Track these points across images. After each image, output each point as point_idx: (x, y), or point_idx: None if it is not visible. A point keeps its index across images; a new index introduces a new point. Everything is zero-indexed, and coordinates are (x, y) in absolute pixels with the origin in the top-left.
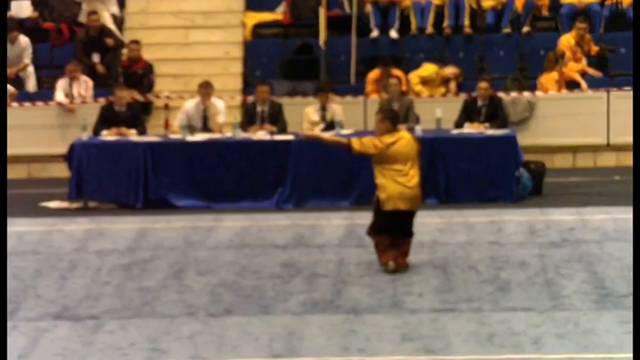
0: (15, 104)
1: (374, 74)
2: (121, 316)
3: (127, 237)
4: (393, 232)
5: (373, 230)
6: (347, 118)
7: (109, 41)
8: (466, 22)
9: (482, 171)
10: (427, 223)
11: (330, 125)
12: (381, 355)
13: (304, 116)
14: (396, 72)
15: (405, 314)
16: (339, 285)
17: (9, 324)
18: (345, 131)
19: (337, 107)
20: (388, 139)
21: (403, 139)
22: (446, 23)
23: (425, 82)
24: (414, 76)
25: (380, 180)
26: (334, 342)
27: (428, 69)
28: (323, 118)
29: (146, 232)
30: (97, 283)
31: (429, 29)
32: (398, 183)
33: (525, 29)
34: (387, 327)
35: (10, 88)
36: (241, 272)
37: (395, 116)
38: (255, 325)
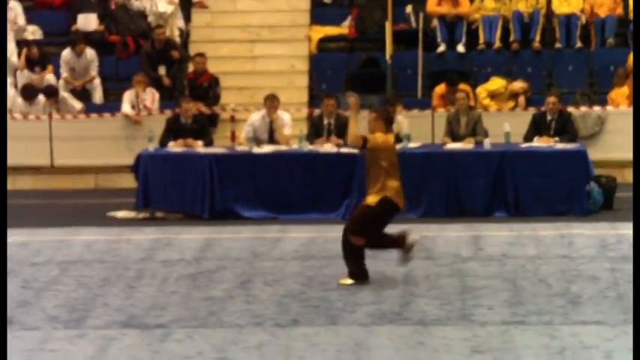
0: (82, 116)
1: (440, 89)
2: (188, 326)
3: (193, 247)
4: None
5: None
6: (414, 131)
7: (175, 54)
8: (537, 37)
9: (552, 185)
10: (496, 236)
11: (397, 138)
12: None
13: None
14: (463, 86)
15: (475, 327)
16: (407, 297)
17: (77, 332)
18: (412, 144)
19: (404, 120)
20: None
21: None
22: (512, 37)
23: (493, 96)
24: (483, 90)
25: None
26: (402, 354)
27: (496, 83)
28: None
29: (212, 242)
30: (164, 292)
31: (497, 44)
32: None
33: (611, 41)
34: (455, 339)
35: (77, 103)
36: (308, 283)
37: (390, 118)
38: (323, 335)
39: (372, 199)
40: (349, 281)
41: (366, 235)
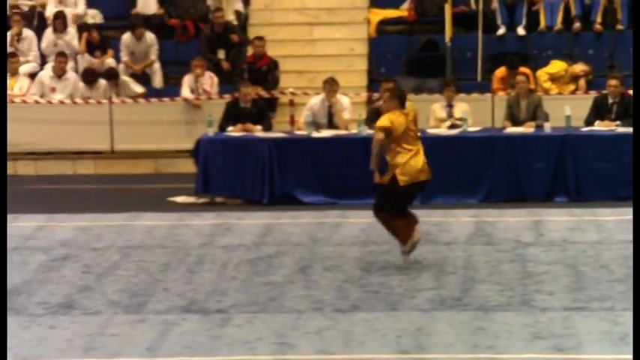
0: (142, 100)
1: (500, 72)
2: (248, 311)
3: (253, 232)
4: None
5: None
6: (474, 115)
7: (234, 38)
8: (598, 18)
9: (613, 169)
10: (557, 221)
11: (457, 121)
12: (511, 353)
13: (431, 113)
14: (524, 69)
15: (536, 312)
16: (468, 282)
17: (138, 317)
18: (471, 128)
19: (464, 104)
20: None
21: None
22: (574, 18)
23: (554, 79)
24: (543, 73)
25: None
26: (463, 339)
27: (557, 66)
28: (450, 115)
29: (272, 227)
30: (224, 277)
31: (558, 25)
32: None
33: None
34: (516, 325)
35: (138, 88)
36: (368, 268)
37: (403, 95)
38: (383, 321)
39: (385, 177)
40: (407, 247)
41: (396, 211)
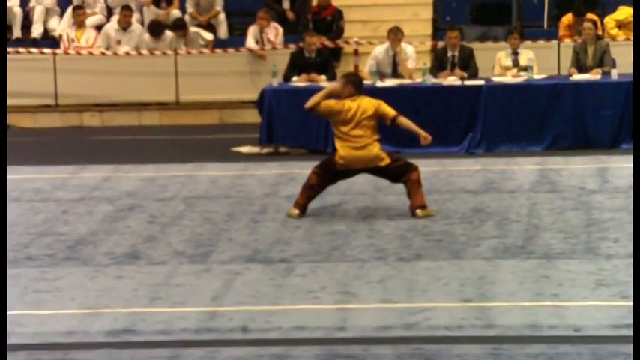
0: (207, 51)
1: (567, 19)
2: (311, 260)
3: None
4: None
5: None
6: (539, 63)
7: None
8: None
9: None
10: (622, 168)
11: (522, 70)
12: (575, 301)
13: (496, 61)
14: (591, 16)
15: (600, 260)
16: (531, 230)
17: (202, 266)
18: (537, 76)
19: (529, 52)
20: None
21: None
22: None
23: (621, 25)
24: (610, 20)
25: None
26: (526, 287)
27: (625, 12)
28: (515, 63)
29: None
30: (288, 227)
31: None
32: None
33: None
34: (580, 273)
35: (208, 35)
36: (431, 217)
37: (360, 81)
38: (446, 269)
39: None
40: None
41: (319, 175)
